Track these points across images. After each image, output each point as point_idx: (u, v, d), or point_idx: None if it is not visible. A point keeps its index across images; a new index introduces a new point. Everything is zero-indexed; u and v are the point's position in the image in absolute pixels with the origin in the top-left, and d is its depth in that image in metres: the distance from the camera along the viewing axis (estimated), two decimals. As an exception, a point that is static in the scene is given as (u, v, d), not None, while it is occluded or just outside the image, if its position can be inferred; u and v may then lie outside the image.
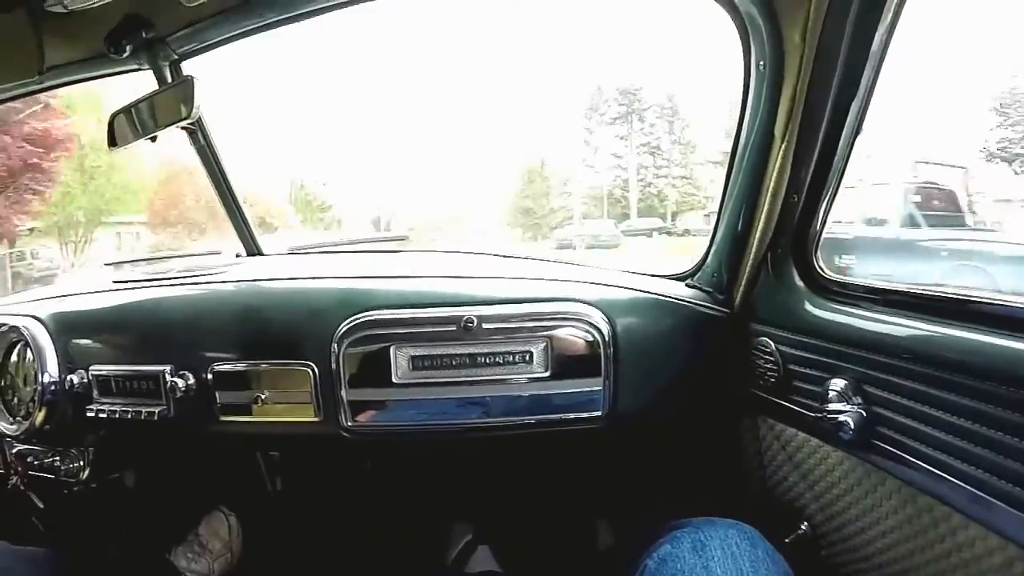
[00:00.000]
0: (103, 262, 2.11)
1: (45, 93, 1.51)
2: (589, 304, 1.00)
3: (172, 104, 1.23)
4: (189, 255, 1.72)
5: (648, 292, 1.06)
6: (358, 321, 0.99)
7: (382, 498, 1.38)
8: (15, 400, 1.33)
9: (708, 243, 1.11)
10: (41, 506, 1.43)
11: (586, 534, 1.26)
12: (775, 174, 0.89)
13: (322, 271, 1.17)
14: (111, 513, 1.42)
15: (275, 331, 1.07)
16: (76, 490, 1.34)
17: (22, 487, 1.40)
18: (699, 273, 1.13)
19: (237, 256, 1.53)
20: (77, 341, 1.23)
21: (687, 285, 1.13)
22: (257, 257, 1.51)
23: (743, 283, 1.02)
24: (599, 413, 1.00)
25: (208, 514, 1.48)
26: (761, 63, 0.86)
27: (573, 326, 0.98)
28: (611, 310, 1.00)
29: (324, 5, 1.08)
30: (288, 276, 1.15)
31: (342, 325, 0.99)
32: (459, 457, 1.29)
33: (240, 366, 1.06)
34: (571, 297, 1.01)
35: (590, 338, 0.98)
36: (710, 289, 1.10)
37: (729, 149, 1.00)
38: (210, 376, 1.07)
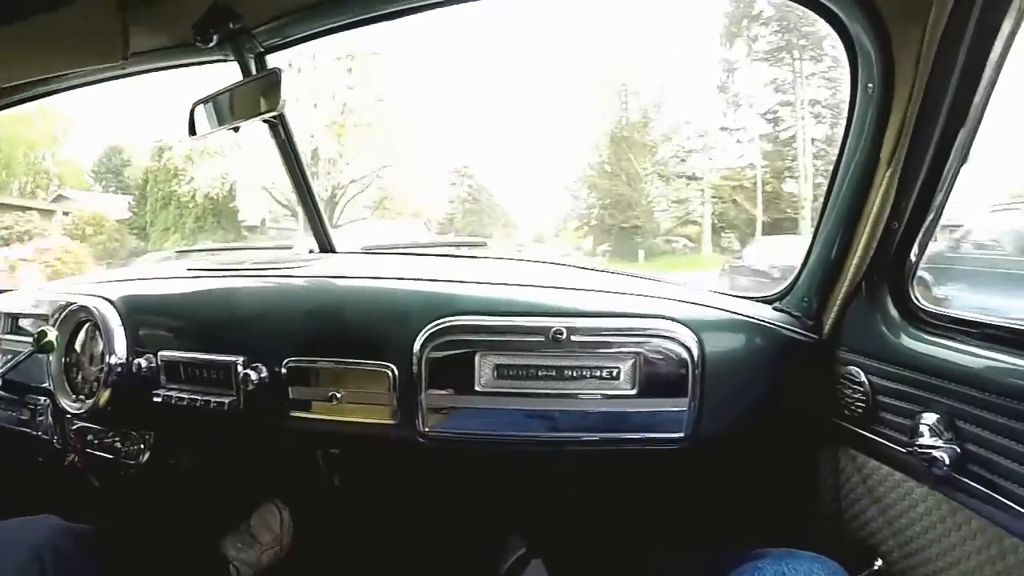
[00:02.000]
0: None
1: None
2: (679, 322, 0.99)
3: (257, 96, 1.24)
4: (261, 248, 1.76)
5: (736, 313, 1.05)
6: (443, 326, 0.98)
7: (440, 502, 1.38)
8: (79, 378, 1.34)
9: (799, 266, 1.09)
10: (96, 484, 1.45)
11: (647, 558, 1.25)
12: (878, 200, 0.86)
13: (402, 272, 1.16)
14: (165, 496, 1.43)
15: (354, 330, 1.07)
16: (133, 472, 1.35)
17: (79, 464, 1.42)
18: (788, 296, 1.12)
19: (310, 252, 1.54)
20: (147, 325, 1.25)
21: (775, 308, 1.12)
22: (330, 254, 1.51)
23: (834, 309, 1.00)
24: (681, 434, 0.99)
25: (261, 506, 1.49)
26: (870, 85, 0.83)
27: (662, 344, 0.97)
28: (700, 329, 0.99)
29: (415, 5, 1.07)
30: (369, 275, 1.15)
31: (426, 329, 0.99)
32: (525, 467, 1.28)
33: (316, 363, 1.06)
34: (661, 314, 1.00)
35: (678, 357, 0.97)
36: (799, 314, 1.08)
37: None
38: (284, 371, 1.07)
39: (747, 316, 1.05)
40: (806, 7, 0.89)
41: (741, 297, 1.17)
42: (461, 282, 1.09)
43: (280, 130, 1.32)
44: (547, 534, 1.26)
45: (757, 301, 1.15)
